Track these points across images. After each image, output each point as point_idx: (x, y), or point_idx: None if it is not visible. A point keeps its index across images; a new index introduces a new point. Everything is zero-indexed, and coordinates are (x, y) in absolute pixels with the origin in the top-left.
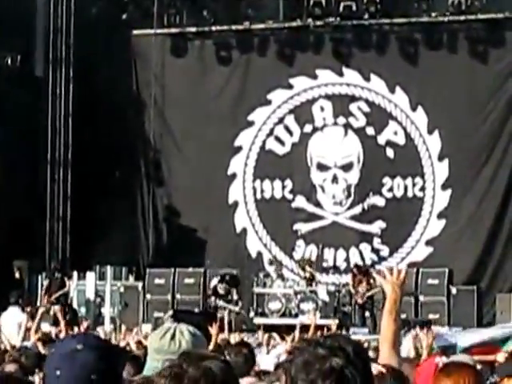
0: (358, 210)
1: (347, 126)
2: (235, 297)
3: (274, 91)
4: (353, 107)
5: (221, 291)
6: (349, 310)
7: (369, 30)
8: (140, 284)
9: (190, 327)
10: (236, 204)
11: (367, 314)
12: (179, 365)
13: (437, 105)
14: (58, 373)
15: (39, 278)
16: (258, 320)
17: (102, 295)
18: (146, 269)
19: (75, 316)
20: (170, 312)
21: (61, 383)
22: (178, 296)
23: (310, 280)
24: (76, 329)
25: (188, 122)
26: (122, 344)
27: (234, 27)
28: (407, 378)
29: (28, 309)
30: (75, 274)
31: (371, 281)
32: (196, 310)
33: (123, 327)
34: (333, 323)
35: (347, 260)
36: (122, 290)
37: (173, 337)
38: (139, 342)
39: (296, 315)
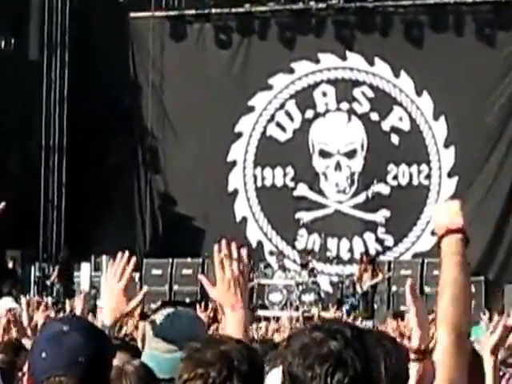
0: (361, 198)
1: (351, 112)
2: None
3: (275, 76)
4: (356, 92)
5: None
6: (354, 302)
7: (373, 12)
8: (137, 275)
9: (189, 311)
10: (236, 192)
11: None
12: (197, 348)
13: (443, 89)
14: (44, 355)
15: (32, 268)
16: (258, 312)
17: (98, 286)
18: (142, 259)
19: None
20: (158, 303)
21: (46, 366)
22: (175, 287)
23: (312, 271)
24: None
25: (186, 108)
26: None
27: (234, 10)
28: None
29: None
30: None
31: (376, 271)
32: (187, 301)
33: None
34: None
35: (351, 250)
36: None
37: (171, 322)
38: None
39: (297, 307)
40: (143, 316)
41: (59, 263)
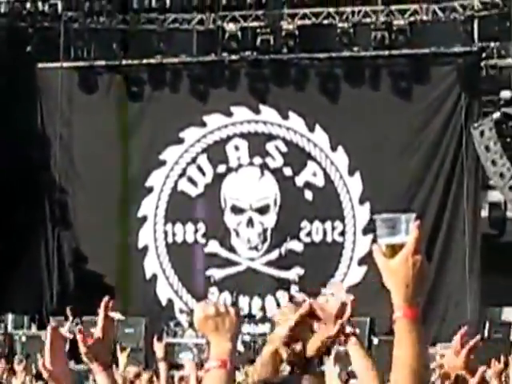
0: (274, 255)
1: (263, 167)
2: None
3: (187, 129)
4: (269, 146)
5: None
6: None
7: (287, 64)
8: (44, 333)
9: None
10: (146, 248)
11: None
12: None
13: (358, 145)
14: None
15: None
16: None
17: (3, 345)
18: (49, 317)
19: None
20: None
21: None
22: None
23: None
24: None
25: (95, 161)
26: None
27: (145, 61)
28: None
29: None
30: None
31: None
32: None
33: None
34: None
35: (263, 308)
36: (23, 339)
37: None
38: None
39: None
40: None
41: None
